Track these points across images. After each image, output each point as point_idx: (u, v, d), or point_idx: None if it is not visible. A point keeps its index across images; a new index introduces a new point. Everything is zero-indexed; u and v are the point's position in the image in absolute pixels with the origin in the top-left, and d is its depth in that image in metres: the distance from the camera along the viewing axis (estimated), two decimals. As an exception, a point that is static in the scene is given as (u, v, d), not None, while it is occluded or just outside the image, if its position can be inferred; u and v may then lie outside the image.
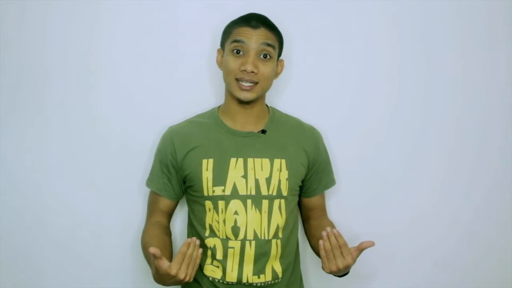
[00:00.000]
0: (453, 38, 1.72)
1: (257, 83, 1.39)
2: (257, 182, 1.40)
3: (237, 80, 1.38)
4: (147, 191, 1.55)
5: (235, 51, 1.38)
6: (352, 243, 1.32)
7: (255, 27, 1.39)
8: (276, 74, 1.48)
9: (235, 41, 1.38)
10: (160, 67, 1.64)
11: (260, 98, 1.45)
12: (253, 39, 1.37)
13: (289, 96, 1.66)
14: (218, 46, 1.49)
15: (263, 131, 1.44)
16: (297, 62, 1.65)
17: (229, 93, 1.43)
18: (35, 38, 1.60)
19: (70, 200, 1.64)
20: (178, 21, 1.63)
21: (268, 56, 1.39)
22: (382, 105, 1.72)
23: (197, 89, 1.64)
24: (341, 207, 1.69)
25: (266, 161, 1.41)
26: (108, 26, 1.62)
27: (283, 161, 1.42)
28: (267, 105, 1.52)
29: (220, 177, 1.40)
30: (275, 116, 1.51)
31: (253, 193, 1.40)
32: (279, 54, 1.47)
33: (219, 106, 1.52)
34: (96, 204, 1.64)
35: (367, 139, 1.72)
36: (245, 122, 1.45)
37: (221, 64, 1.45)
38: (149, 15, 1.61)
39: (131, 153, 1.64)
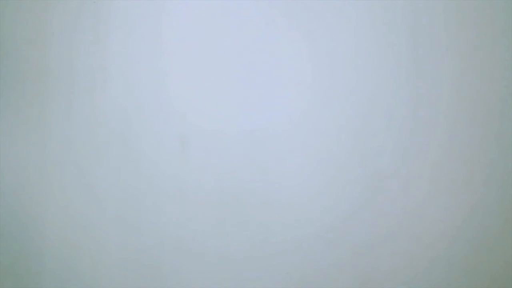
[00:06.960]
0: (451, 38, 1.73)
1: None
2: None
3: None
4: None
5: None
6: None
7: None
8: None
9: None
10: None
11: None
12: None
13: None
14: None
15: None
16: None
17: None
18: (36, 38, 1.60)
19: (70, 203, 1.62)
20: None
21: None
22: (376, 102, 1.72)
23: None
24: (334, 207, 1.67)
25: None
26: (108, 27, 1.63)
27: None
28: None
29: None
30: None
31: None
32: None
33: None
34: (96, 207, 1.63)
35: (361, 137, 1.72)
36: None
37: None
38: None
39: (132, 154, 1.63)
